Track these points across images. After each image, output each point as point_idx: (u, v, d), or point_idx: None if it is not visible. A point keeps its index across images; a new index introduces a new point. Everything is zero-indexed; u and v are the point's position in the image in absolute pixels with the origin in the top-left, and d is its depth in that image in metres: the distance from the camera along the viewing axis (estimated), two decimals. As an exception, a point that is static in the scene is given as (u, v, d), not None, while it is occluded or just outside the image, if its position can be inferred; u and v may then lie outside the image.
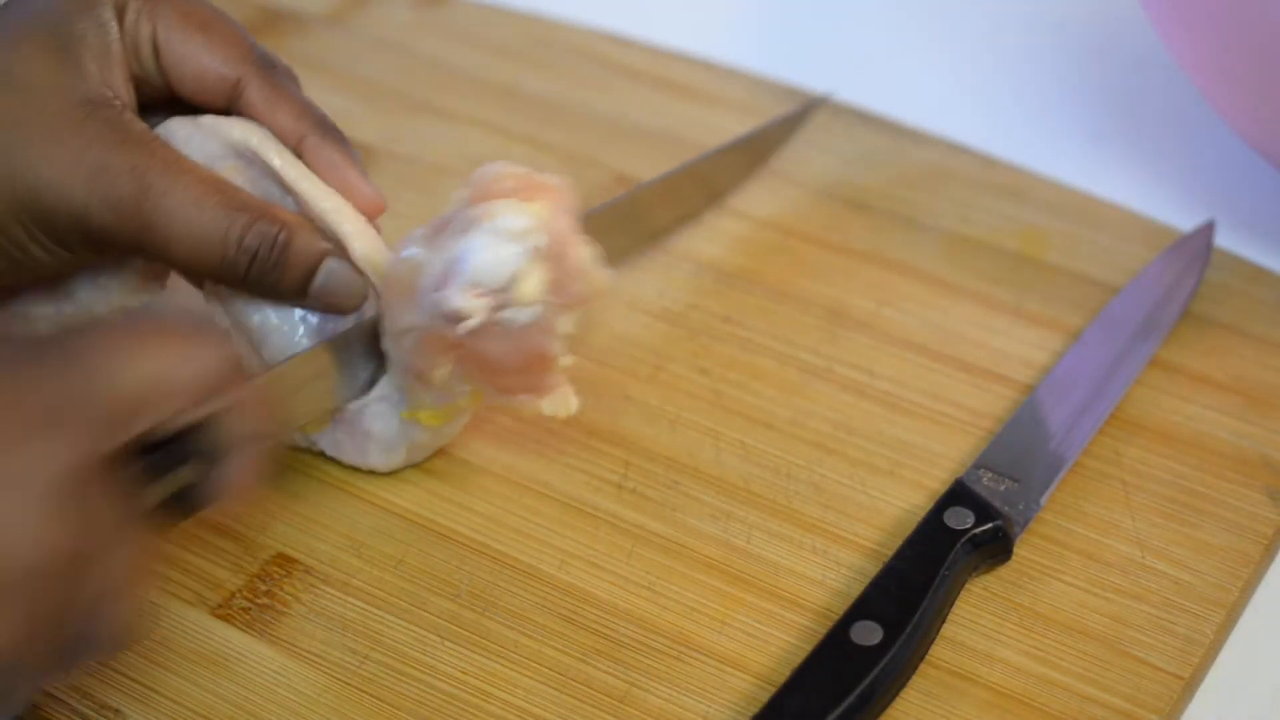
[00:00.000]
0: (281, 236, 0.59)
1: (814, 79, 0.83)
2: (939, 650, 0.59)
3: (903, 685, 0.57)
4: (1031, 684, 0.58)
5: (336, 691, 0.58)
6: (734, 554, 0.62)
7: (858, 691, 0.56)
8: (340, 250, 0.61)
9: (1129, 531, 0.62)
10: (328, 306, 0.61)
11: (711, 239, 0.75)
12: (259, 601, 0.60)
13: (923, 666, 0.58)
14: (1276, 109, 0.69)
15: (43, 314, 0.63)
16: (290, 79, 0.63)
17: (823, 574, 0.61)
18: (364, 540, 0.62)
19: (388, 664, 0.58)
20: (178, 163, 0.59)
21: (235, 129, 0.61)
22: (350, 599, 0.60)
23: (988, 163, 0.78)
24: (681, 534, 0.63)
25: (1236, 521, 0.63)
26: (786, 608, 0.60)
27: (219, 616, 0.60)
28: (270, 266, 0.59)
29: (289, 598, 0.61)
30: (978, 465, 0.63)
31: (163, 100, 0.62)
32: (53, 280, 0.62)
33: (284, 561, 0.62)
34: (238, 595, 0.61)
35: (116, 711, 0.57)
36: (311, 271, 0.60)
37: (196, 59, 0.61)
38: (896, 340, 0.70)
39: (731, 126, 0.81)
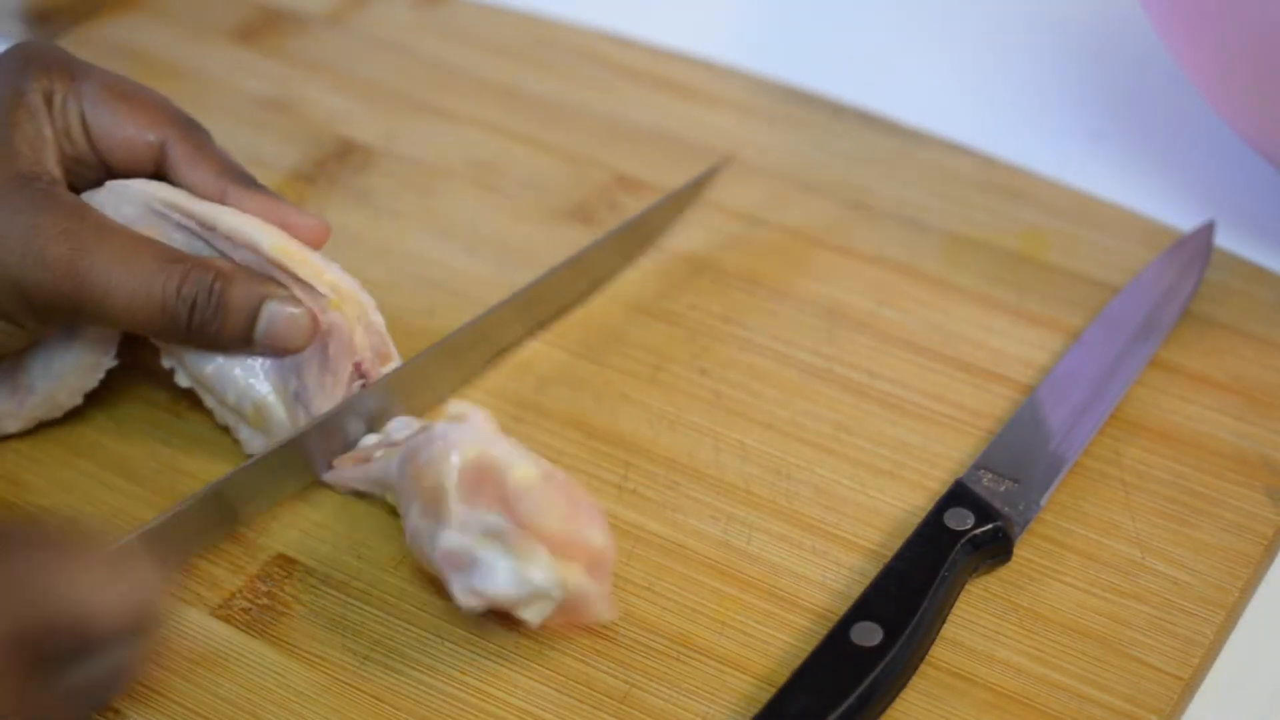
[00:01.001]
0: (217, 285, 0.61)
1: (814, 79, 0.83)
2: (939, 651, 0.59)
3: (903, 686, 0.57)
4: (1031, 684, 0.58)
5: (336, 692, 0.58)
6: (734, 555, 0.62)
7: (858, 692, 0.56)
8: (281, 286, 0.62)
9: (1129, 532, 0.63)
10: (276, 349, 0.62)
11: (711, 239, 0.75)
12: (259, 602, 0.60)
13: (923, 667, 0.58)
14: (1276, 109, 0.69)
15: (6, 411, 0.65)
16: (209, 139, 0.65)
17: (823, 575, 0.61)
18: (364, 541, 0.62)
19: (388, 665, 0.59)
20: (108, 223, 0.61)
21: (145, 187, 0.63)
22: (350, 600, 0.60)
23: (988, 163, 0.78)
24: (681, 535, 0.63)
25: (1236, 522, 0.63)
26: (786, 608, 0.60)
27: (219, 617, 0.60)
28: (210, 315, 0.61)
29: (289, 598, 0.61)
30: (978, 466, 0.63)
31: (97, 179, 0.64)
32: (10, 374, 0.64)
33: (284, 562, 0.62)
34: (238, 596, 0.61)
35: (117, 712, 0.57)
36: (254, 315, 0.61)
37: (121, 129, 0.63)
38: (897, 341, 0.70)
39: (731, 127, 0.81)
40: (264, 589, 0.61)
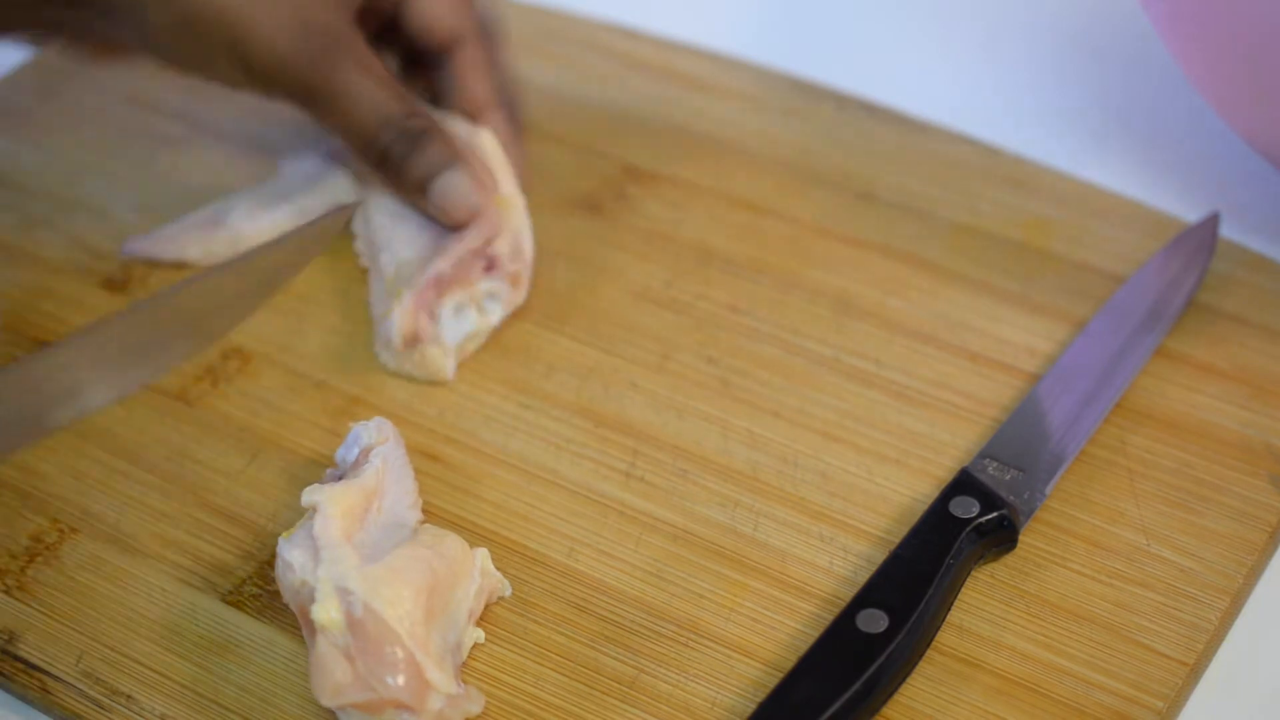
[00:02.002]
0: (427, 132, 0.68)
1: (820, 71, 0.84)
2: (945, 637, 0.59)
3: (909, 672, 0.58)
4: (1037, 670, 0.58)
5: (347, 677, 0.58)
6: (741, 541, 0.62)
7: (864, 678, 0.56)
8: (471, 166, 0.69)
9: (1134, 519, 0.63)
10: (440, 210, 0.69)
11: (719, 229, 0.75)
12: (270, 588, 0.61)
13: (929, 653, 0.58)
14: (1276, 109, 0.69)
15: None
16: (499, 48, 0.74)
17: (829, 562, 0.62)
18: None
19: (397, 650, 0.59)
20: (365, 54, 0.68)
21: None
22: (360, 586, 0.61)
23: (993, 153, 0.79)
24: (689, 521, 0.63)
25: (1241, 509, 0.63)
26: (793, 595, 0.61)
27: (230, 603, 0.61)
28: (407, 149, 0.68)
29: (299, 585, 0.61)
30: (983, 454, 0.63)
31: (377, 29, 0.72)
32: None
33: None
34: (248, 582, 0.61)
35: (128, 697, 0.58)
36: (438, 170, 0.68)
37: (429, 19, 0.71)
38: (903, 330, 0.70)
39: (738, 118, 0.81)
40: (274, 575, 0.61)
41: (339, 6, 0.68)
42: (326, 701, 0.55)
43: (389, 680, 0.55)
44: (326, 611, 0.55)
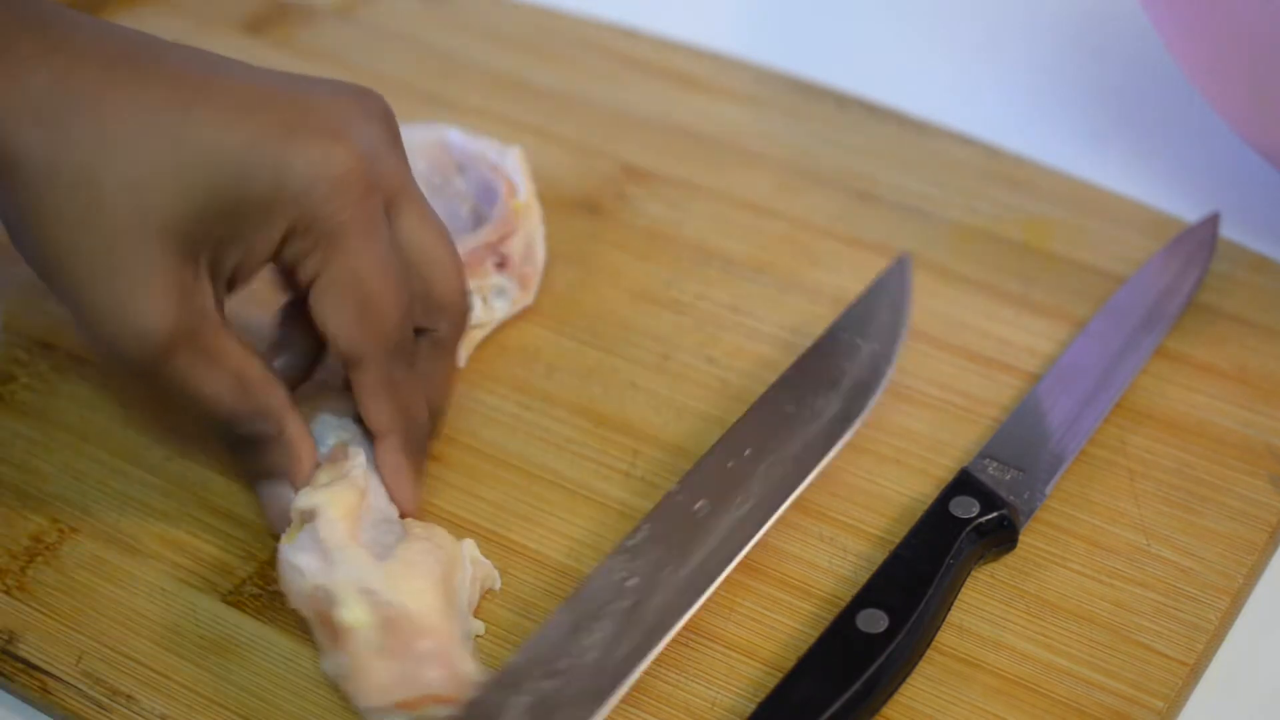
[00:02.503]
0: (262, 441, 0.59)
1: (820, 71, 0.84)
2: (945, 637, 0.59)
3: (909, 672, 0.58)
4: (1037, 670, 0.58)
5: (347, 677, 0.58)
6: (741, 541, 0.62)
7: (864, 678, 0.56)
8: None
9: (1134, 519, 0.63)
10: (263, 507, 0.62)
11: (719, 229, 0.75)
12: (270, 588, 0.61)
13: (929, 653, 0.58)
14: (1275, 109, 0.69)
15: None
16: (448, 348, 0.62)
17: (830, 561, 0.62)
18: (374, 527, 0.63)
19: (397, 650, 0.59)
20: (227, 346, 0.58)
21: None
22: (360, 586, 0.61)
23: (992, 153, 0.79)
24: (689, 522, 0.63)
25: (1241, 509, 0.63)
26: (794, 595, 0.61)
27: (230, 603, 0.61)
28: (243, 448, 0.60)
29: (299, 584, 0.61)
30: (983, 454, 0.63)
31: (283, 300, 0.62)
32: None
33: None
34: (249, 582, 0.61)
35: (129, 697, 0.58)
36: (265, 477, 0.61)
37: (332, 325, 0.59)
38: (903, 330, 0.70)
39: (738, 118, 0.81)
40: (274, 575, 0.61)
41: (196, 285, 0.57)
42: (371, 704, 0.55)
43: (429, 674, 0.54)
44: (354, 614, 0.55)
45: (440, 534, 0.59)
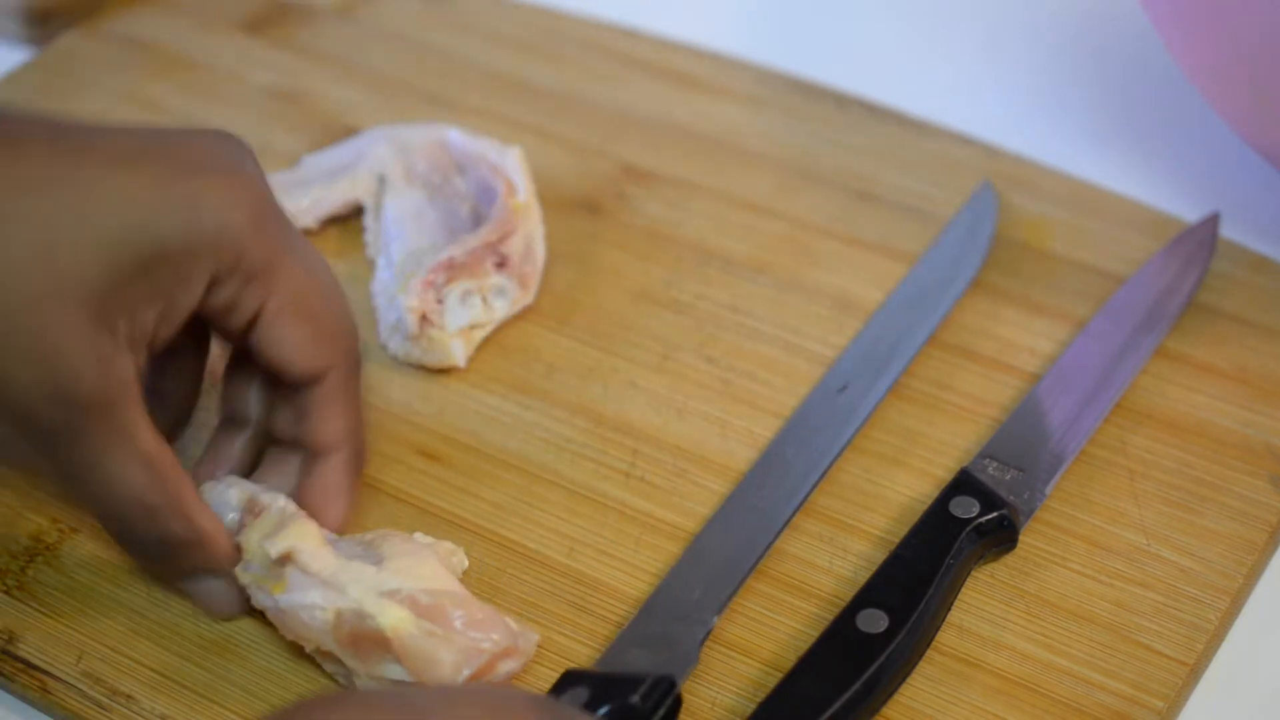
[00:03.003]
0: (178, 544, 0.57)
1: (819, 71, 0.84)
2: (945, 637, 0.59)
3: (909, 672, 0.58)
4: (1037, 670, 0.58)
5: (347, 677, 0.58)
6: (741, 541, 0.62)
7: (864, 678, 0.56)
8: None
9: (1134, 519, 0.63)
10: (197, 605, 0.59)
11: (718, 229, 0.75)
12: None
13: (929, 653, 0.58)
14: (1275, 109, 0.69)
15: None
16: (355, 379, 0.61)
17: (830, 561, 0.62)
18: (374, 528, 0.62)
19: (397, 650, 0.59)
20: (136, 418, 0.55)
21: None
22: (360, 586, 0.61)
23: (992, 153, 0.79)
24: (689, 521, 0.63)
25: (1241, 509, 0.63)
26: (793, 594, 0.61)
27: (230, 603, 0.61)
28: (160, 554, 0.58)
29: (299, 584, 0.61)
30: (983, 454, 0.63)
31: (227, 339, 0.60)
32: None
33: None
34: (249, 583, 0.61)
35: (128, 697, 0.58)
36: (190, 576, 0.59)
37: (285, 353, 0.58)
38: (903, 330, 0.70)
39: (738, 118, 0.81)
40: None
41: (109, 352, 0.54)
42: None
43: (485, 638, 0.55)
44: (392, 616, 0.55)
45: (390, 532, 0.59)
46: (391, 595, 0.55)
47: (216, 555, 0.58)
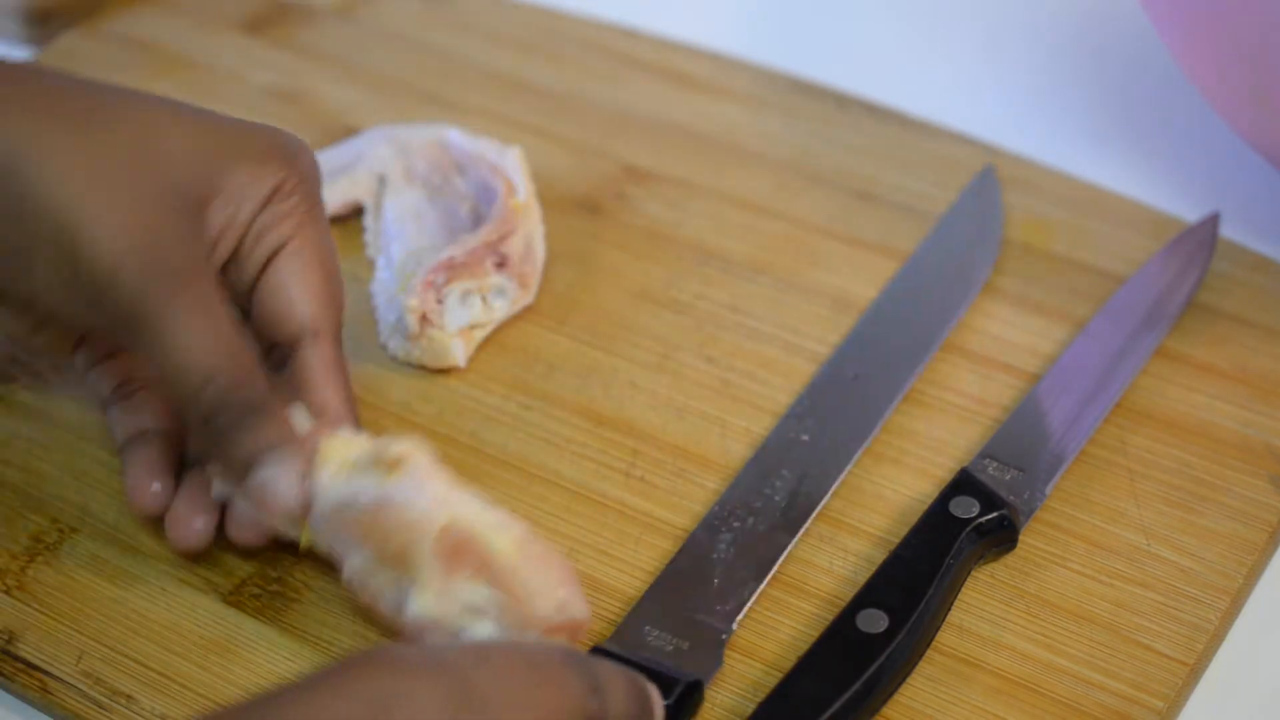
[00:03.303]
0: (256, 416, 0.57)
1: (819, 71, 0.84)
2: (945, 637, 0.59)
3: (909, 672, 0.58)
4: (1037, 670, 0.58)
5: (347, 677, 0.58)
6: (741, 541, 0.62)
7: (864, 678, 0.56)
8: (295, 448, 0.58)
9: (1134, 519, 0.63)
10: (256, 503, 0.58)
11: (718, 229, 0.75)
12: (270, 588, 0.61)
13: (929, 653, 0.58)
14: (1275, 109, 0.69)
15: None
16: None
17: (830, 561, 0.62)
18: (374, 528, 0.63)
19: (397, 650, 0.59)
20: (214, 298, 0.57)
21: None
22: (360, 586, 0.61)
23: (992, 153, 0.79)
24: (689, 521, 0.63)
25: (1241, 509, 0.63)
26: (793, 595, 0.61)
27: (230, 603, 0.61)
28: (230, 428, 0.57)
29: (300, 584, 0.61)
30: (983, 454, 0.63)
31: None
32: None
33: (295, 548, 0.62)
34: (249, 582, 0.61)
35: (129, 698, 0.58)
36: (257, 459, 0.57)
37: (302, 289, 0.60)
38: (903, 330, 0.70)
39: (738, 118, 0.81)
40: (274, 575, 0.61)
41: (194, 236, 0.58)
42: (540, 618, 0.55)
43: (578, 606, 0.56)
44: (507, 539, 0.55)
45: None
46: (500, 523, 0.55)
47: (286, 430, 0.57)
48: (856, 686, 0.56)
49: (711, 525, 0.62)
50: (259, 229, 0.60)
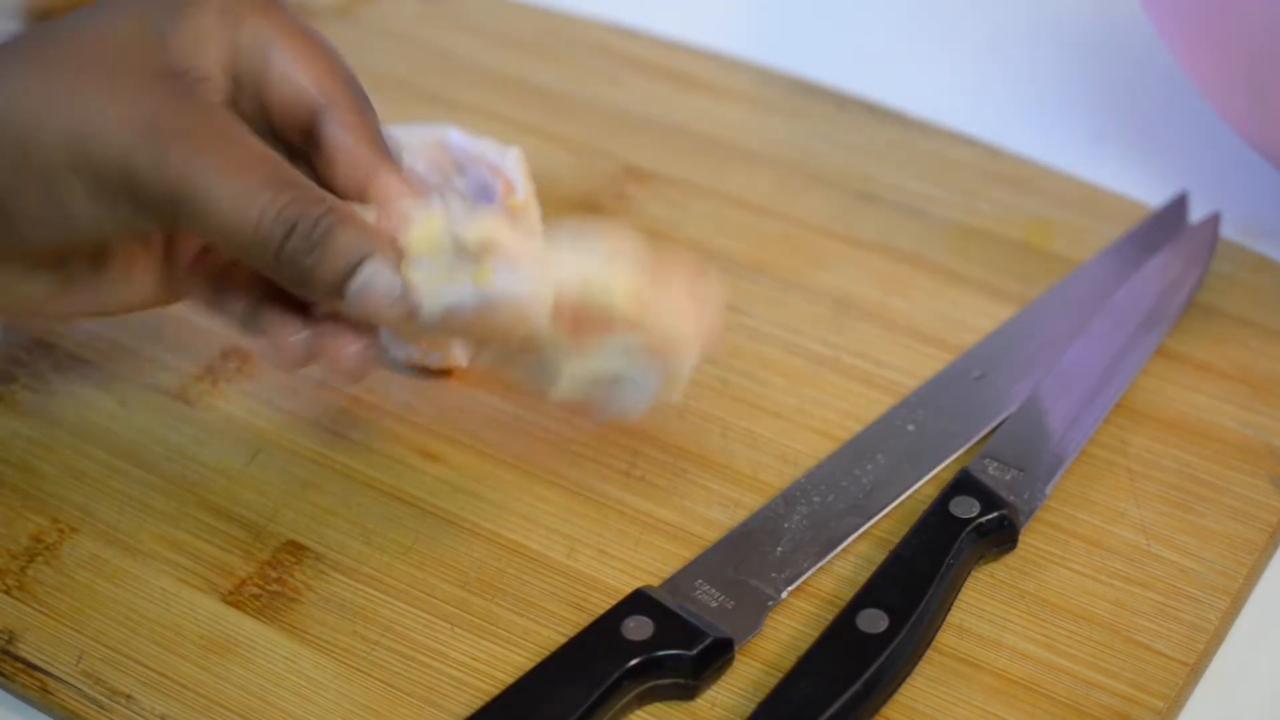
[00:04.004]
0: (326, 220, 0.55)
1: (820, 71, 0.84)
2: (945, 637, 0.59)
3: (909, 672, 0.58)
4: (1037, 670, 0.58)
5: (347, 677, 0.58)
6: (741, 541, 0.62)
7: (864, 678, 0.56)
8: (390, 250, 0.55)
9: (1134, 519, 0.63)
10: (363, 314, 0.56)
11: (719, 229, 0.75)
12: (270, 589, 0.61)
13: (929, 653, 0.58)
14: (1276, 109, 0.69)
15: None
16: (369, 107, 0.60)
17: (830, 561, 0.62)
18: (374, 528, 0.63)
19: (397, 650, 0.59)
20: (236, 131, 0.56)
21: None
22: (360, 586, 0.61)
23: (993, 153, 0.79)
24: (689, 521, 0.63)
25: (1241, 509, 0.63)
26: (794, 595, 0.60)
27: (230, 603, 0.61)
28: (306, 248, 0.55)
29: (300, 585, 0.61)
30: (984, 454, 0.63)
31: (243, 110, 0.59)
32: None
33: (294, 549, 0.62)
34: (249, 582, 0.61)
35: (128, 697, 0.58)
36: (352, 268, 0.55)
37: (295, 78, 0.58)
38: (903, 330, 0.70)
39: (738, 118, 0.81)
40: (274, 575, 0.61)
41: (186, 91, 0.56)
42: (687, 361, 0.56)
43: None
44: (626, 281, 0.55)
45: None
46: (611, 274, 0.54)
47: (367, 232, 0.55)
48: (856, 686, 0.56)
49: (792, 496, 0.62)
50: (241, 47, 0.58)
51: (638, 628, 0.57)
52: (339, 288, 0.55)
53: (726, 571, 0.60)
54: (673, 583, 0.59)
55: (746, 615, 0.58)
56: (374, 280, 0.54)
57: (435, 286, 0.54)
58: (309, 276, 0.55)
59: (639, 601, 0.58)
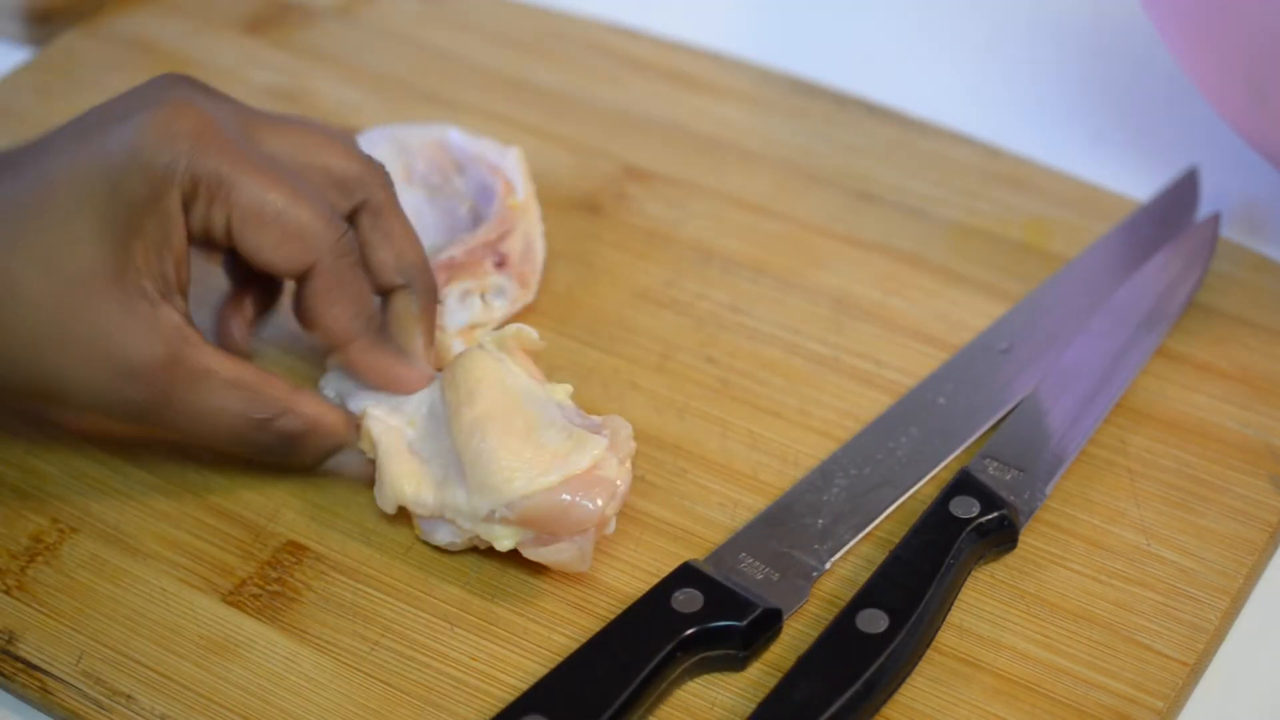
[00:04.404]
0: (292, 435, 0.62)
1: (820, 71, 0.84)
2: (945, 637, 0.59)
3: (909, 672, 0.58)
4: (1037, 670, 0.58)
5: (347, 677, 0.58)
6: (741, 541, 0.62)
7: (864, 678, 0.56)
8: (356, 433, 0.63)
9: (1134, 519, 0.63)
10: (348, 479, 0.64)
11: (719, 229, 0.75)
12: (270, 589, 0.61)
13: (929, 653, 0.58)
14: (1276, 109, 0.69)
15: None
16: (352, 267, 0.62)
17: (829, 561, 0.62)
18: (374, 528, 0.63)
19: (397, 650, 0.59)
20: (205, 357, 0.60)
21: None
22: (360, 586, 0.61)
23: (992, 153, 0.79)
24: (689, 521, 0.63)
25: (1241, 509, 0.63)
26: (794, 595, 0.61)
27: (230, 603, 0.61)
28: (284, 449, 0.62)
29: (300, 585, 0.61)
30: (984, 454, 0.63)
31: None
32: None
33: (295, 549, 0.62)
34: (249, 582, 0.61)
35: (128, 697, 0.58)
36: (322, 458, 0.63)
37: (267, 253, 0.60)
38: (903, 329, 0.70)
39: (738, 118, 0.81)
40: (274, 575, 0.61)
41: (154, 317, 0.59)
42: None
43: (593, 501, 0.59)
44: (508, 542, 0.59)
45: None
46: (490, 519, 0.59)
47: (335, 432, 0.62)
48: (856, 686, 0.56)
49: (829, 470, 0.63)
50: (201, 231, 0.60)
51: (687, 600, 0.58)
52: (313, 469, 0.64)
53: (769, 544, 0.60)
54: (717, 556, 0.60)
55: (792, 585, 0.59)
56: (343, 465, 0.64)
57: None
58: (289, 462, 0.63)
59: (687, 575, 0.59)
